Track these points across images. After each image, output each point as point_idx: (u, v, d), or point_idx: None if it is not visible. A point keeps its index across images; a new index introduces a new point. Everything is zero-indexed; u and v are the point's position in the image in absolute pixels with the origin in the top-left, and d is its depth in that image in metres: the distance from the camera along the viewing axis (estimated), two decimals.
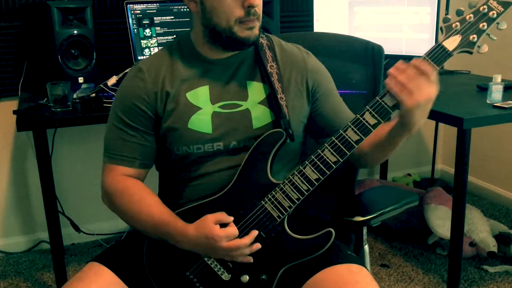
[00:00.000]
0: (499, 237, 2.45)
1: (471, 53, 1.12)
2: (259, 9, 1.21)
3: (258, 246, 1.17)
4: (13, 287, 2.37)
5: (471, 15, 1.11)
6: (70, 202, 2.64)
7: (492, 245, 2.37)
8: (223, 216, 1.17)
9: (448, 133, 3.31)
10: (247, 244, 1.15)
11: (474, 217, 2.44)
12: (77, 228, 2.63)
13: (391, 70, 1.09)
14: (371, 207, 1.37)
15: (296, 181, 1.17)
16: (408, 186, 3.15)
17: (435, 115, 1.95)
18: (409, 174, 3.32)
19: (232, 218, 1.17)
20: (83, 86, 2.21)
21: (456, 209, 1.99)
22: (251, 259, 1.18)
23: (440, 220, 2.39)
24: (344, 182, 1.59)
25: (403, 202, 1.40)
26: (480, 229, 2.40)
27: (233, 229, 1.15)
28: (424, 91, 1.06)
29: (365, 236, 1.47)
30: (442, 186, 2.91)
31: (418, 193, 2.54)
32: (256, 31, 1.23)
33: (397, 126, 1.16)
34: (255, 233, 1.17)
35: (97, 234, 2.72)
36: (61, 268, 2.12)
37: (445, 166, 3.47)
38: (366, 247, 1.48)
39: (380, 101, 1.12)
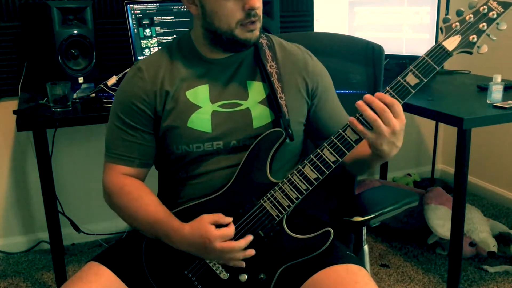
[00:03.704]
0: (499, 237, 2.45)
1: (471, 53, 1.12)
2: (259, 10, 1.21)
3: (252, 252, 1.17)
4: (13, 287, 2.37)
5: (471, 15, 1.11)
6: (70, 202, 2.64)
7: (492, 245, 2.37)
8: (219, 217, 1.16)
9: (448, 133, 3.31)
10: (241, 247, 1.15)
11: (474, 217, 2.44)
12: (77, 228, 2.63)
13: (359, 104, 1.11)
14: (370, 207, 1.37)
15: (295, 181, 1.17)
16: (408, 186, 3.15)
17: (435, 115, 1.95)
18: (409, 174, 3.32)
19: (230, 219, 1.16)
20: (83, 86, 2.21)
21: (456, 209, 1.99)
22: (243, 264, 1.17)
23: (440, 220, 2.39)
24: (344, 182, 1.59)
25: (403, 202, 1.40)
26: (480, 229, 2.40)
27: (228, 230, 1.15)
28: (389, 126, 1.09)
29: (364, 236, 1.47)
30: (442, 186, 2.91)
31: (418, 193, 2.55)
32: (257, 32, 1.23)
33: (372, 152, 1.20)
34: (250, 237, 1.17)
35: (97, 234, 2.72)
36: (61, 268, 2.12)
37: (445, 166, 3.46)
38: (366, 247, 1.48)
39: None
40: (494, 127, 2.60)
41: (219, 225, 1.15)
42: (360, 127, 1.10)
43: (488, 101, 1.98)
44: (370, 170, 1.31)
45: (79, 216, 2.66)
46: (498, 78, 2.01)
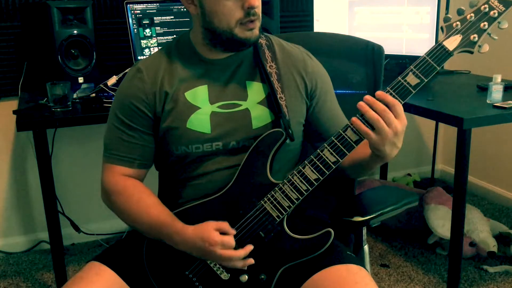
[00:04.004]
0: (499, 237, 2.45)
1: (471, 52, 1.12)
2: (258, 9, 1.21)
3: (251, 261, 1.17)
4: (13, 287, 2.37)
5: (472, 14, 1.11)
6: (70, 202, 2.63)
7: (492, 245, 2.37)
8: (225, 226, 1.16)
9: (448, 133, 3.30)
10: (240, 257, 1.15)
11: (474, 217, 2.44)
12: (77, 228, 2.63)
13: (361, 104, 1.10)
14: (370, 207, 1.37)
15: (296, 181, 1.17)
16: (408, 186, 3.15)
17: (435, 115, 1.95)
18: (409, 174, 3.32)
19: (234, 232, 1.17)
20: (83, 86, 2.21)
21: (456, 209, 1.99)
22: (245, 266, 1.17)
23: (440, 220, 2.39)
24: (344, 182, 1.59)
25: (403, 202, 1.40)
26: (480, 229, 2.40)
27: (230, 239, 1.15)
28: (391, 126, 1.09)
29: (364, 236, 1.47)
30: (442, 186, 2.91)
31: (418, 193, 2.55)
32: (256, 31, 1.23)
33: (371, 153, 1.19)
34: (250, 247, 1.17)
35: (97, 234, 2.72)
36: (61, 268, 2.12)
37: (445, 166, 3.46)
38: (366, 247, 1.48)
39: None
40: (494, 127, 2.60)
41: (222, 233, 1.16)
42: (363, 127, 1.10)
43: (488, 101, 1.98)
44: (370, 172, 1.31)
45: (79, 216, 2.66)
46: (498, 78, 2.01)
